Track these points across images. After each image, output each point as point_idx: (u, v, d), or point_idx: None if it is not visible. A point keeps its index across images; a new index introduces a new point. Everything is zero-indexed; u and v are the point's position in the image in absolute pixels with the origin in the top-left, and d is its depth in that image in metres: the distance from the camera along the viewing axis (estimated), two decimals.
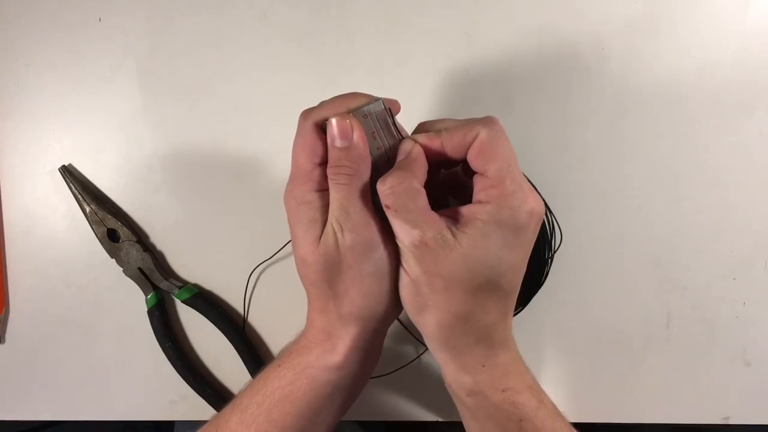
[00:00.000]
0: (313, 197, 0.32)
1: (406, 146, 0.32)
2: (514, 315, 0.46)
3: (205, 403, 0.49)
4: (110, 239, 0.48)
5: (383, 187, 0.30)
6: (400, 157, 0.32)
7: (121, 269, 0.48)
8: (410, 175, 0.31)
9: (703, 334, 0.48)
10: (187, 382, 0.49)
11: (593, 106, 0.47)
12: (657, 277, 0.48)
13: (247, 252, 0.49)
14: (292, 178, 0.33)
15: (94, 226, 0.48)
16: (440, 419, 0.49)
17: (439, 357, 0.35)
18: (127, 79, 0.49)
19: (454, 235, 0.30)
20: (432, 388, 0.49)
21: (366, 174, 0.31)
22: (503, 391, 0.34)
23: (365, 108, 0.32)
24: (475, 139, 0.31)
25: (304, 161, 0.32)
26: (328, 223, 0.31)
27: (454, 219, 0.31)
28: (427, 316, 0.33)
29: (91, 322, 0.50)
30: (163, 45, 0.49)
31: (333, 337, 0.34)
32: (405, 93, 0.48)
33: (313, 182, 0.32)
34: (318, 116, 0.32)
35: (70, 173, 0.48)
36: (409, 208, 0.30)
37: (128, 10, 0.48)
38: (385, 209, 0.31)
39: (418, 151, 0.32)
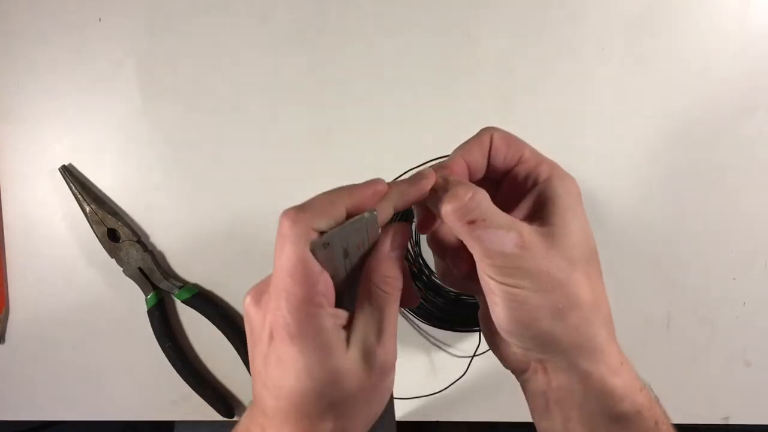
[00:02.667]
0: (330, 311, 0.26)
1: (426, 171, 0.29)
2: None
3: (205, 403, 0.49)
4: (110, 239, 0.48)
5: (456, 205, 0.27)
6: (426, 184, 0.29)
7: (121, 269, 0.48)
8: (468, 185, 0.28)
9: (703, 334, 0.48)
10: (187, 382, 0.49)
11: (593, 106, 0.47)
12: (657, 277, 0.48)
13: (247, 251, 0.49)
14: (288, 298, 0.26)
15: (94, 226, 0.48)
16: (440, 419, 0.49)
17: (583, 367, 0.28)
18: (127, 79, 0.49)
19: (541, 222, 0.28)
20: (434, 388, 0.49)
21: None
22: (641, 390, 0.29)
23: (352, 223, 0.27)
24: (490, 140, 0.30)
25: (301, 291, 0.25)
26: (357, 336, 0.27)
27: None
28: (560, 323, 0.27)
29: (91, 322, 0.50)
30: (163, 45, 0.49)
31: None
32: (405, 93, 0.48)
33: (322, 299, 0.26)
34: (310, 233, 0.25)
35: (70, 173, 0.48)
36: (495, 212, 0.27)
37: (128, 10, 0.48)
38: (467, 228, 0.27)
39: (460, 164, 0.30)
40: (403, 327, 0.48)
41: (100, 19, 0.49)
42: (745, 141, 0.47)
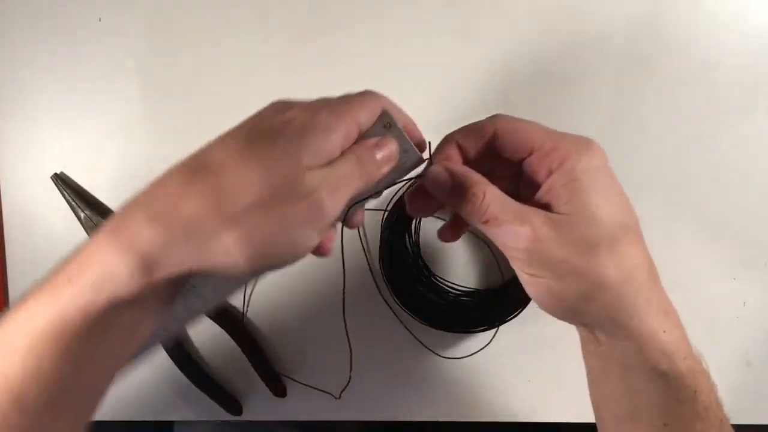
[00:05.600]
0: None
1: (437, 169, 0.30)
2: (514, 316, 0.47)
3: (205, 402, 0.49)
4: None
5: (470, 209, 0.29)
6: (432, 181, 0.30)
7: None
8: (482, 180, 0.29)
9: (704, 334, 0.48)
10: (193, 382, 0.48)
11: (593, 106, 0.47)
12: None
13: None
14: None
15: (89, 232, 0.48)
16: (440, 419, 0.49)
17: (620, 332, 0.30)
18: (127, 80, 0.48)
19: (551, 208, 0.29)
20: (433, 388, 0.49)
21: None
22: (686, 357, 0.30)
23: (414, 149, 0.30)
24: (492, 129, 0.30)
25: (345, 128, 0.27)
26: (322, 173, 0.27)
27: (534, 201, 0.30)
28: (589, 304, 0.29)
29: None
30: (163, 45, 0.49)
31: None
32: (405, 92, 0.48)
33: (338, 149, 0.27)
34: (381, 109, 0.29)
35: (62, 181, 0.48)
36: (507, 208, 0.28)
37: (128, 10, 0.48)
38: (484, 228, 0.29)
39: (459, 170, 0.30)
40: (403, 329, 0.48)
41: (100, 19, 0.49)
42: (745, 141, 0.47)
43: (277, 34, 0.48)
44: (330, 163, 0.27)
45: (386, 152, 0.29)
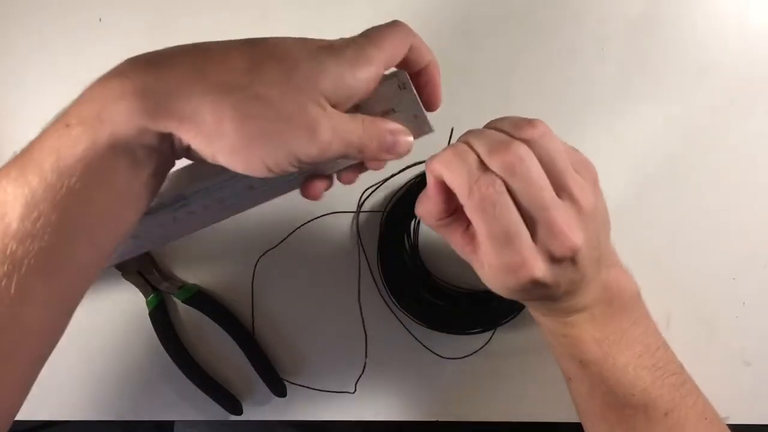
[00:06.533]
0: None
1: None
2: (513, 317, 0.47)
3: (205, 402, 0.49)
4: None
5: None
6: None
7: (120, 272, 0.48)
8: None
9: (703, 334, 0.48)
10: (193, 382, 0.48)
11: (593, 106, 0.47)
12: (657, 277, 0.48)
13: (246, 249, 0.48)
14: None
15: None
16: (440, 419, 0.49)
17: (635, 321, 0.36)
18: None
19: None
20: (433, 388, 0.49)
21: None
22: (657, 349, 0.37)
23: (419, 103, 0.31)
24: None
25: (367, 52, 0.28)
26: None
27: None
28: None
29: (90, 322, 0.49)
30: (163, 45, 0.48)
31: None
32: None
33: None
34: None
35: None
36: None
37: (128, 10, 0.48)
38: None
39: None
40: (402, 329, 0.48)
41: (100, 19, 0.49)
42: (745, 141, 0.47)
43: (277, 34, 0.48)
44: (350, 110, 0.28)
45: (399, 149, 0.30)
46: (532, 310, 0.37)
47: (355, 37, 0.28)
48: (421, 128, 0.30)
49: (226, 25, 0.48)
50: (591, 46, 0.47)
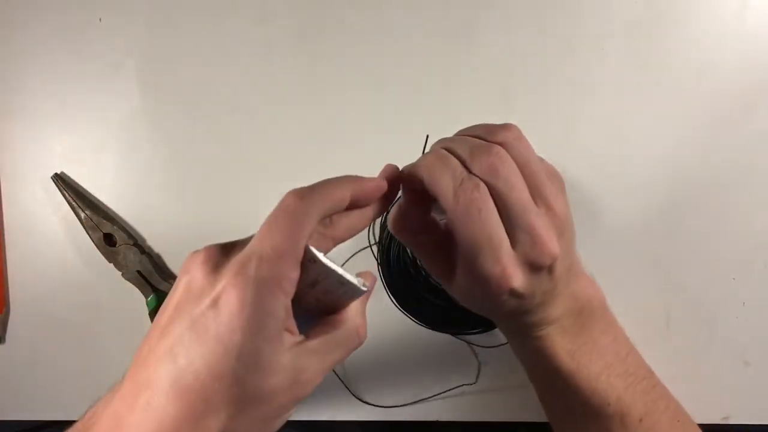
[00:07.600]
0: (287, 302, 0.25)
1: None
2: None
3: None
4: (107, 244, 0.48)
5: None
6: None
7: (120, 273, 0.48)
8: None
9: (703, 334, 0.48)
10: None
11: (593, 106, 0.47)
12: (657, 276, 0.48)
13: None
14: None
15: (89, 232, 0.48)
16: (440, 419, 0.49)
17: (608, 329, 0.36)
18: (127, 79, 0.48)
19: None
20: (433, 387, 0.49)
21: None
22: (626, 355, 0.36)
23: (347, 279, 0.27)
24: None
25: (276, 269, 0.24)
26: (308, 346, 0.27)
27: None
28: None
29: (90, 322, 0.50)
30: (163, 45, 0.49)
31: None
32: (405, 92, 0.48)
33: (289, 289, 0.25)
34: (313, 215, 0.26)
35: (63, 181, 0.48)
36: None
37: (128, 10, 0.48)
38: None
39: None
40: (401, 329, 0.48)
41: (100, 19, 0.49)
42: (745, 141, 0.47)
43: (278, 34, 0.48)
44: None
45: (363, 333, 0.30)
46: (502, 327, 0.37)
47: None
48: (354, 291, 0.27)
49: (226, 26, 0.48)
50: (591, 46, 0.47)
